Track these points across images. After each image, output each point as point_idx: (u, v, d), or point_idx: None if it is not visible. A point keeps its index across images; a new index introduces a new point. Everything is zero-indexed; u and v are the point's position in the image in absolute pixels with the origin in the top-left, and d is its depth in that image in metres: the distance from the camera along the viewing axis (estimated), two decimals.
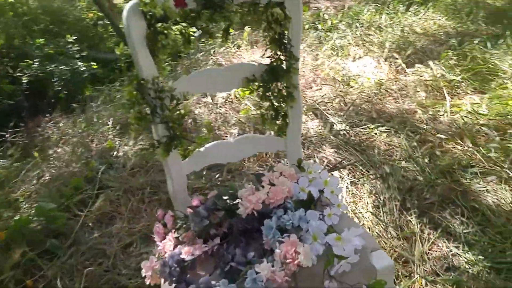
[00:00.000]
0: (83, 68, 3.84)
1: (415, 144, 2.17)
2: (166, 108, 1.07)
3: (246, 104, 2.63)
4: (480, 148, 2.07)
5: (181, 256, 0.92)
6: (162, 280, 0.92)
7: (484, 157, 2.01)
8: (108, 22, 4.89)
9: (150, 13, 0.99)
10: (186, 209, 1.12)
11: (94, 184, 2.04)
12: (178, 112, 1.09)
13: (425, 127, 2.32)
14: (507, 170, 1.87)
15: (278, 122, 1.22)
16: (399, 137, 2.22)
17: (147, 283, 0.96)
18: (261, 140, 1.25)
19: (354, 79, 2.97)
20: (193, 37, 1.10)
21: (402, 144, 2.15)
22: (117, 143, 2.37)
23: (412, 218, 1.68)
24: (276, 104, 1.20)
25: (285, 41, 1.14)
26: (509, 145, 2.08)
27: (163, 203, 1.92)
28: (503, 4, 4.22)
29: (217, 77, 1.15)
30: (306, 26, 4.00)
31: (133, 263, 1.62)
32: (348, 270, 0.93)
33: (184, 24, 1.07)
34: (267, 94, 1.18)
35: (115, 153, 2.29)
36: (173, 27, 1.07)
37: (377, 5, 4.47)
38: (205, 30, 1.09)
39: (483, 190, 1.81)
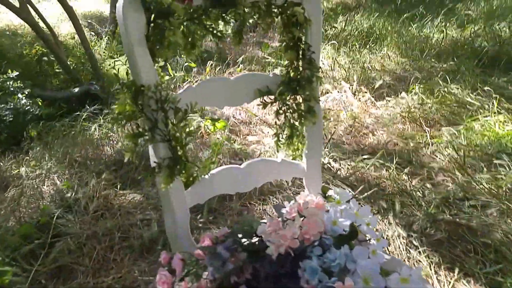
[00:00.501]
0: (27, 107, 3.48)
1: (405, 177, 2.05)
2: (170, 123, 0.85)
3: (218, 138, 2.43)
4: (474, 179, 1.98)
5: None
6: None
7: (477, 188, 1.91)
8: (53, 58, 4.61)
9: (153, 5, 0.79)
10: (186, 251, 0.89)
11: (48, 231, 1.70)
12: (183, 128, 0.88)
13: (411, 160, 2.23)
14: (506, 202, 1.78)
15: (294, 142, 1.03)
16: (387, 170, 2.09)
17: None
18: (275, 165, 1.05)
19: (326, 113, 2.87)
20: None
21: (391, 178, 2.02)
22: (75, 183, 2.05)
23: (422, 257, 1.52)
24: (293, 121, 1.02)
25: (303, 47, 0.98)
26: (498, 176, 2.01)
27: (136, 250, 1.62)
28: (448, 45, 4.42)
29: (226, 89, 0.95)
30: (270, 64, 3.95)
31: None
32: None
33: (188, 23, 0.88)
34: (283, 109, 1.00)
35: (73, 194, 1.97)
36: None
37: (334, 43, 4.52)
38: (213, 32, 0.90)
39: (486, 224, 1.69)
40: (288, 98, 0.98)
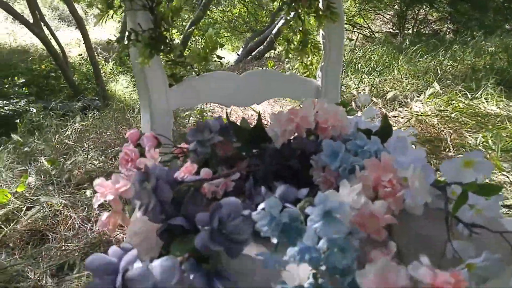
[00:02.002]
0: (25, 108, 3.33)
1: None
2: None
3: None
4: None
5: (176, 176, 0.47)
6: (137, 213, 0.45)
7: None
8: (60, 74, 4.64)
9: None
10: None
11: (25, 198, 1.53)
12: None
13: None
14: None
15: (307, 51, 0.85)
16: None
17: (99, 228, 0.48)
18: (282, 80, 0.86)
19: None
20: None
21: None
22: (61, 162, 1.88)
23: None
24: (307, 26, 0.84)
25: None
26: None
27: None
28: (465, 69, 4.27)
29: None
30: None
31: None
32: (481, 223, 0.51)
33: None
34: (295, 5, 0.82)
35: (57, 171, 1.78)
36: None
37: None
38: None
39: None
40: None
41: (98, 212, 1.44)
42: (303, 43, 0.84)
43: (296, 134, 0.61)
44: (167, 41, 0.70)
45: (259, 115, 0.62)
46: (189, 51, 0.75)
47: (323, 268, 0.42)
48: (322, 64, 0.86)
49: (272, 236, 0.40)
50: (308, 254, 0.40)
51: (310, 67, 0.87)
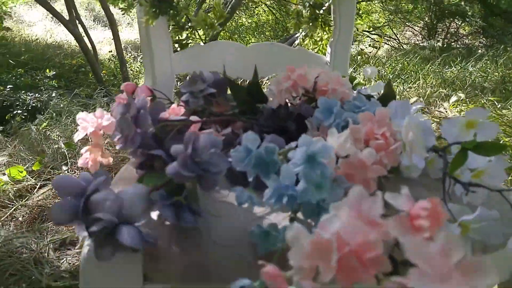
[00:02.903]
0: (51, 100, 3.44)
1: None
2: None
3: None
4: None
5: (162, 115, 0.46)
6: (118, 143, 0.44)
7: None
8: (90, 70, 4.77)
9: None
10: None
11: (39, 176, 1.56)
12: None
13: None
14: None
15: (317, 25, 0.83)
16: None
17: (81, 164, 0.48)
18: (289, 53, 0.84)
19: None
20: None
21: None
22: (78, 145, 1.91)
23: None
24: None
25: None
26: None
27: None
28: (494, 81, 4.14)
29: None
30: None
31: (64, 262, 1.09)
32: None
33: None
34: None
35: (73, 155, 1.81)
36: None
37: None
38: None
39: None
40: None
41: None
42: (313, 17, 0.83)
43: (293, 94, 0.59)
44: (173, 3, 0.70)
45: (255, 69, 0.60)
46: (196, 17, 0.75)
47: (300, 215, 0.40)
48: (332, 39, 0.84)
49: (248, 171, 0.38)
50: (285, 194, 0.38)
51: (320, 42, 0.85)
